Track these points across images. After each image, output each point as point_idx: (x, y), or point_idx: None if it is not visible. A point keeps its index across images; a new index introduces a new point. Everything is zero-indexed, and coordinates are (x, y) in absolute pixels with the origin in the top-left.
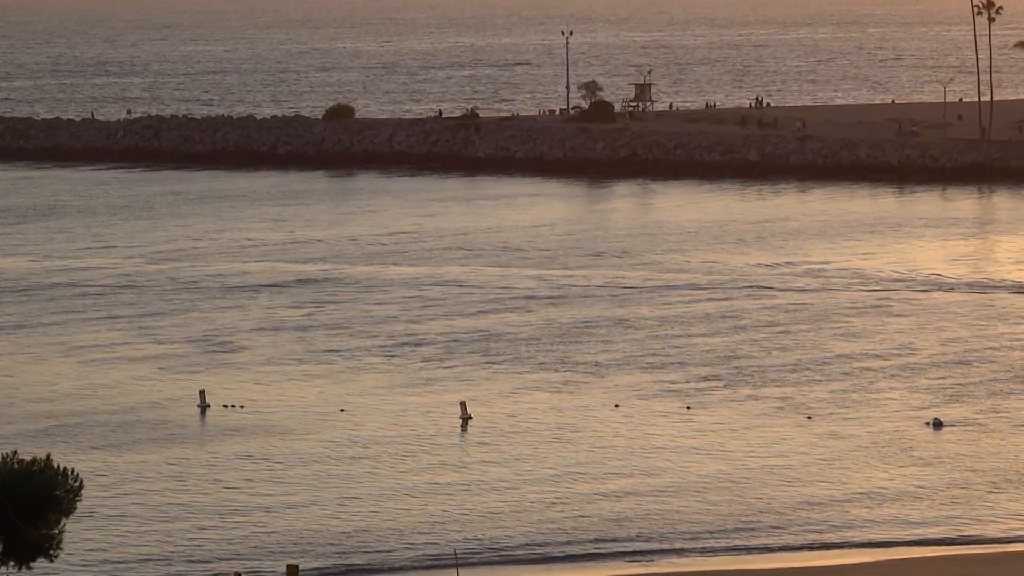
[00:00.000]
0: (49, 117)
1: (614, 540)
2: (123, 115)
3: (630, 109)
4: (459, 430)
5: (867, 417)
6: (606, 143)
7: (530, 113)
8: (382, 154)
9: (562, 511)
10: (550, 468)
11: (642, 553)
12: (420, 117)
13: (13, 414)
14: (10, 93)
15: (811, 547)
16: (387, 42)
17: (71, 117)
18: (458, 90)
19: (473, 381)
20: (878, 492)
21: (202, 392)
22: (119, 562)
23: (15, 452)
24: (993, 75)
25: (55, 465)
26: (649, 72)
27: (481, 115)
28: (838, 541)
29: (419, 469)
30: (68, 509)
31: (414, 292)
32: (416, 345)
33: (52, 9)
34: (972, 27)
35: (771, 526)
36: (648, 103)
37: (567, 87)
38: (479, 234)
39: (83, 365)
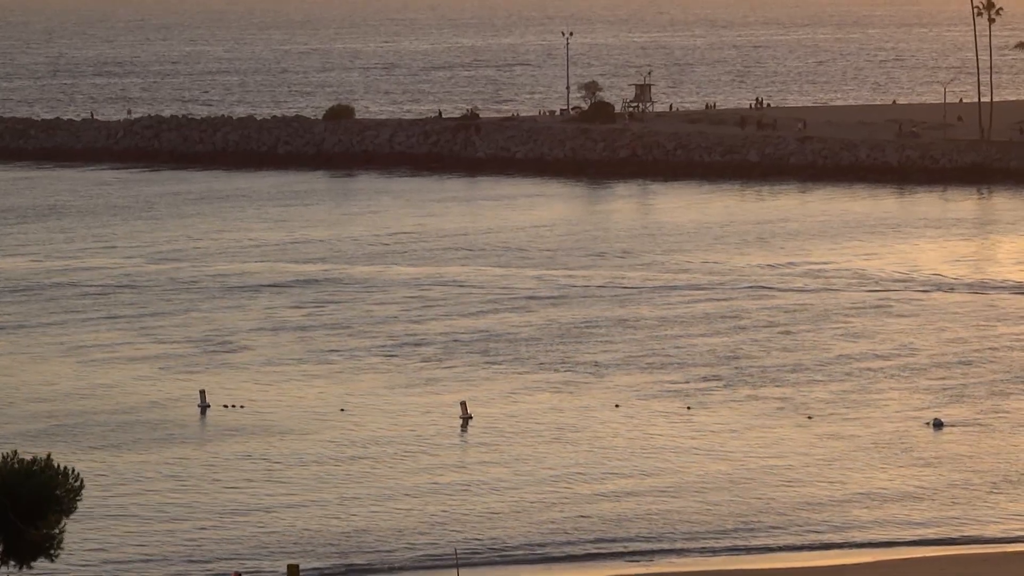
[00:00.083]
0: (49, 117)
1: (614, 540)
2: (123, 115)
3: (630, 110)
4: (459, 430)
5: (867, 417)
6: (606, 144)
7: (530, 114)
8: (382, 154)
9: (562, 511)
10: (550, 468)
11: (642, 553)
12: (420, 118)
13: (14, 414)
14: (10, 93)
15: (811, 547)
16: (387, 43)
17: (71, 117)
18: (458, 91)
19: (473, 381)
20: (878, 492)
21: (202, 392)
22: (119, 562)
23: (15, 452)
24: (993, 76)
25: (55, 465)
26: (649, 73)
27: (481, 116)
28: (838, 541)
29: (419, 469)
30: (68, 509)
31: (414, 292)
32: (416, 345)
33: (52, 9)
34: (972, 28)
35: (771, 526)
36: (648, 104)
37: (567, 88)
38: (479, 234)
39: (83, 365)
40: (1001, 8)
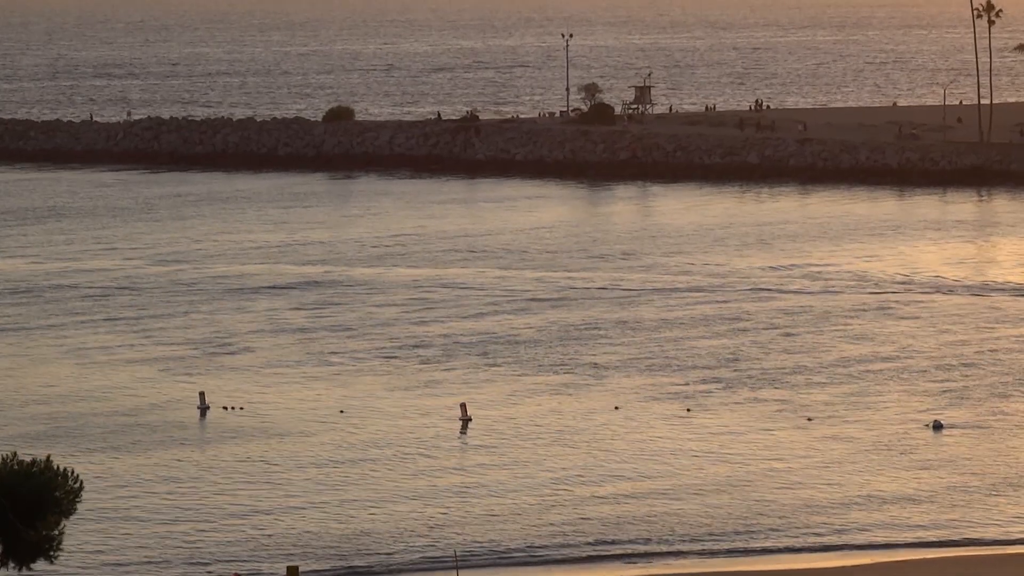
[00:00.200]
0: (49, 119)
1: (613, 542)
2: (123, 117)
3: (630, 111)
4: (459, 432)
5: (867, 419)
6: (606, 145)
7: (530, 115)
8: (382, 156)
9: (561, 513)
10: (550, 470)
11: (641, 555)
12: (420, 119)
13: (13, 415)
14: (10, 95)
15: (811, 549)
16: (387, 44)
17: (71, 119)
18: (458, 92)
19: (473, 383)
20: (878, 494)
21: (202, 394)
22: (119, 564)
23: (15, 453)
24: (993, 78)
25: (55, 466)
26: (649, 74)
27: (481, 117)
28: (838, 543)
29: (419, 471)
30: (68, 510)
31: (414, 294)
32: (416, 347)
33: (52, 11)
34: (972, 30)
35: (771, 528)
36: (648, 105)
37: (567, 89)
38: (479, 236)
39: (83, 367)
40: (1001, 10)
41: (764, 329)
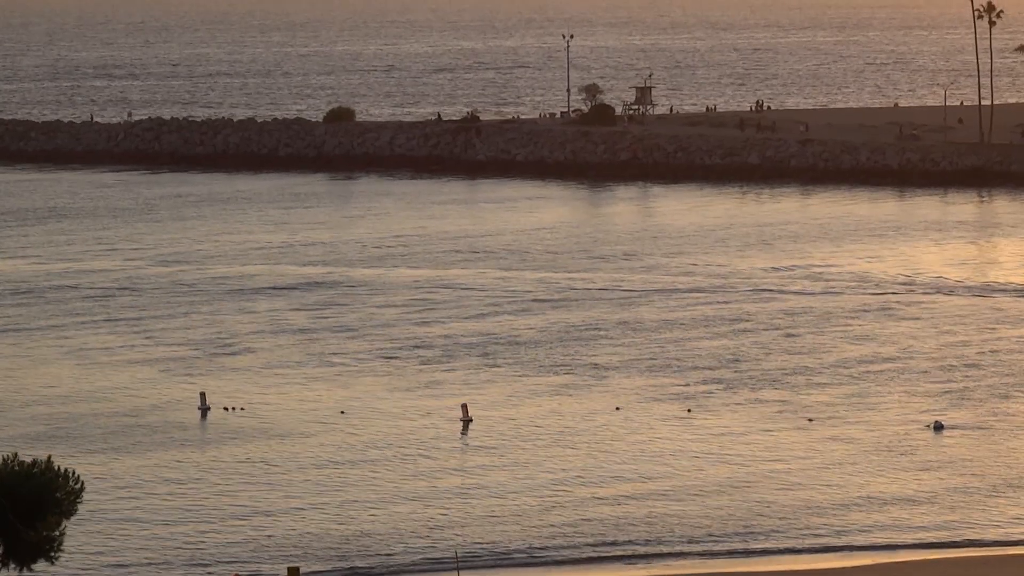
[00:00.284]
0: (50, 119)
1: (614, 543)
2: (124, 117)
3: (630, 112)
4: (460, 433)
5: (868, 420)
6: (607, 146)
7: (531, 116)
8: (383, 157)
9: (562, 514)
10: (550, 471)
11: (642, 556)
12: (421, 120)
13: (14, 416)
14: (10, 95)
15: (811, 550)
16: (388, 45)
17: (71, 120)
18: (459, 93)
19: (474, 384)
20: (878, 495)
21: (203, 395)
22: (119, 565)
23: (15, 454)
24: (994, 79)
25: (56, 467)
26: (650, 75)
27: (482, 118)
28: (838, 544)
29: (420, 472)
30: (68, 511)
31: (415, 295)
32: (417, 348)
33: (52, 11)
34: (973, 31)
35: (771, 529)
36: (649, 106)
37: (567, 90)
38: (480, 237)
39: (84, 367)
40: (1002, 11)
41: (765, 330)
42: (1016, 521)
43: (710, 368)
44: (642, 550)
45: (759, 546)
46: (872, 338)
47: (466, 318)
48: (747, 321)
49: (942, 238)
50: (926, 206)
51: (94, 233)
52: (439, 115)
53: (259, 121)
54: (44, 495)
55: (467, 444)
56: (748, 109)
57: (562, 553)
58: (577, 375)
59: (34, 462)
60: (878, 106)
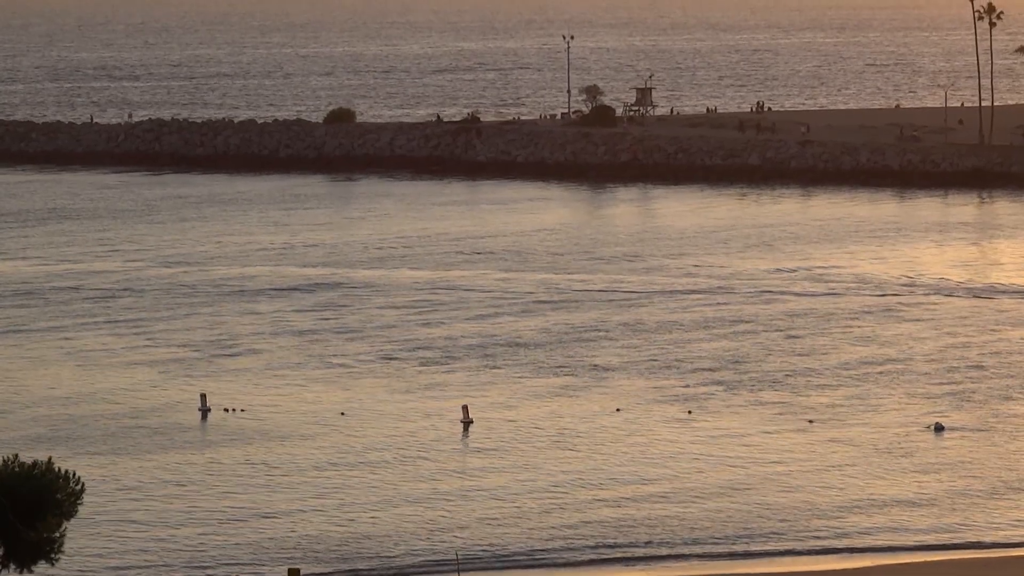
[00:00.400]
0: (50, 121)
1: (615, 545)
2: (124, 119)
3: (631, 113)
4: (460, 435)
5: (869, 422)
6: (607, 147)
7: (531, 117)
8: (383, 158)
9: (563, 516)
10: (551, 473)
11: (643, 558)
12: (421, 121)
13: (15, 418)
14: (11, 96)
15: (812, 552)
16: (388, 46)
17: (72, 121)
18: (459, 94)
19: (474, 386)
20: (879, 497)
21: (203, 396)
22: (120, 567)
23: (16, 456)
24: (994, 80)
25: (56, 468)
26: (650, 76)
27: (482, 119)
28: (839, 546)
29: (420, 474)
30: (69, 512)
31: (416, 296)
32: (418, 349)
33: (52, 12)
34: (973, 32)
35: (772, 531)
36: (649, 107)
37: (568, 91)
38: (481, 238)
39: (85, 369)
40: (1002, 12)
41: (766, 331)
42: (1017, 523)
43: (711, 370)
44: (642, 552)
45: (760, 548)
46: (873, 340)
47: (467, 319)
48: (748, 322)
49: (943, 239)
50: (927, 207)
51: (95, 234)
52: (439, 116)
53: (260, 122)
54: (44, 496)
55: (468, 446)
56: (748, 110)
57: (563, 555)
58: (578, 377)
59: (35, 463)
60: (878, 107)
